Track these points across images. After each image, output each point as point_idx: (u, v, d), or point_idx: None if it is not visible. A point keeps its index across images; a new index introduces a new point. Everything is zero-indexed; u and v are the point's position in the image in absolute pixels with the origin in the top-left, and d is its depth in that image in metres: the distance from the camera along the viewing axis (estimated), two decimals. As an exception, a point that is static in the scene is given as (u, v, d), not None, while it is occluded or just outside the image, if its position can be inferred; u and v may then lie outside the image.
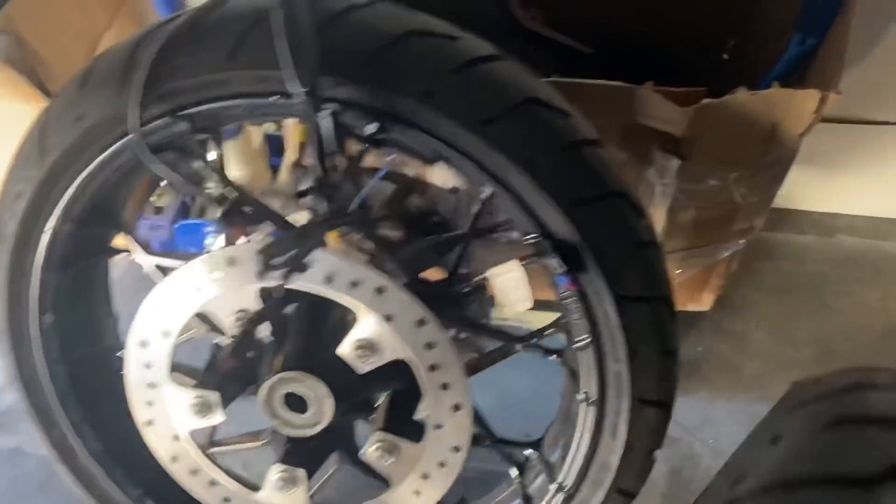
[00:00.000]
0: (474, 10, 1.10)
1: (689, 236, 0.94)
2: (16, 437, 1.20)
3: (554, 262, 0.70)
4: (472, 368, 0.82)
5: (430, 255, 0.75)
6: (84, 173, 0.75)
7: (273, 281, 0.68)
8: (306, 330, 0.77)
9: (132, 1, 1.22)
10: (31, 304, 0.83)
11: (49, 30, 1.07)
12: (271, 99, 0.67)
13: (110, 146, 0.73)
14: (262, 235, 0.70)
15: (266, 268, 0.64)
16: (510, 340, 0.81)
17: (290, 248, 0.63)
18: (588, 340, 0.75)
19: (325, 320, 0.78)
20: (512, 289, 0.72)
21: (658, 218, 0.90)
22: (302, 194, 0.69)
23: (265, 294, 0.74)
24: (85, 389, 0.90)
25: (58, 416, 0.89)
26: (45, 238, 0.80)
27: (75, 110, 0.73)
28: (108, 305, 0.92)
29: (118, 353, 0.85)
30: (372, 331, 0.73)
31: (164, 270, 0.82)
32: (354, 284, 0.72)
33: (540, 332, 0.81)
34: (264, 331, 0.80)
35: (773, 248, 1.41)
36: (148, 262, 0.83)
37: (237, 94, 0.69)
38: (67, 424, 0.89)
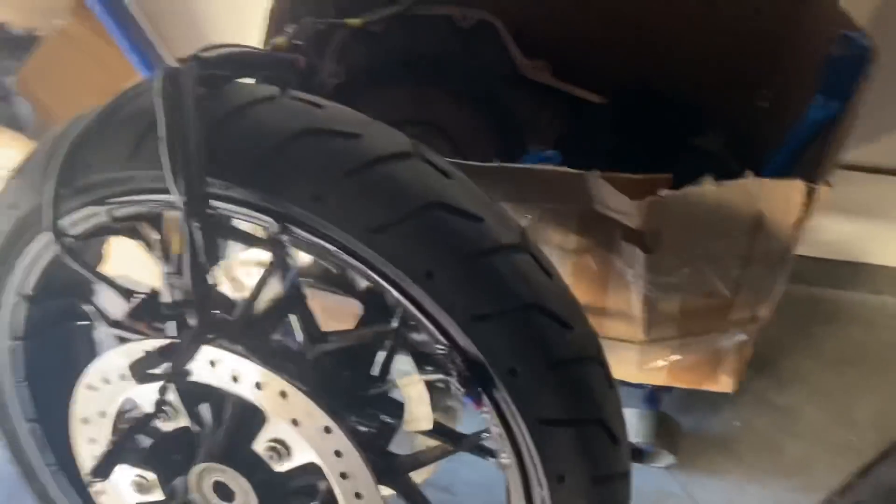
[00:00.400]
0: (478, 63, 1.04)
1: (679, 325, 0.83)
2: None
3: (454, 380, 0.63)
4: (407, 467, 0.77)
5: (339, 359, 0.71)
6: (26, 256, 0.77)
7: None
8: (228, 422, 0.76)
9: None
10: (4, 368, 0.88)
11: (66, 88, 1.12)
12: (167, 198, 0.65)
13: (40, 235, 0.74)
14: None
15: (142, 379, 0.62)
16: (445, 441, 0.75)
17: (161, 362, 0.61)
18: (510, 461, 0.68)
19: (246, 413, 0.75)
20: (416, 402, 0.67)
21: (635, 307, 0.81)
22: (177, 305, 0.67)
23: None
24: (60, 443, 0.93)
25: (38, 469, 0.94)
26: (6, 312, 0.83)
27: (9, 199, 0.75)
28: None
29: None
30: (281, 432, 0.71)
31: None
32: (259, 386, 0.69)
33: (477, 435, 0.75)
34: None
35: (838, 310, 1.24)
36: (105, 332, 0.84)
37: (143, 191, 0.68)
38: (47, 474, 0.94)
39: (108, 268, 0.88)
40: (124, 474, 0.82)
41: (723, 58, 0.97)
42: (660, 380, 0.97)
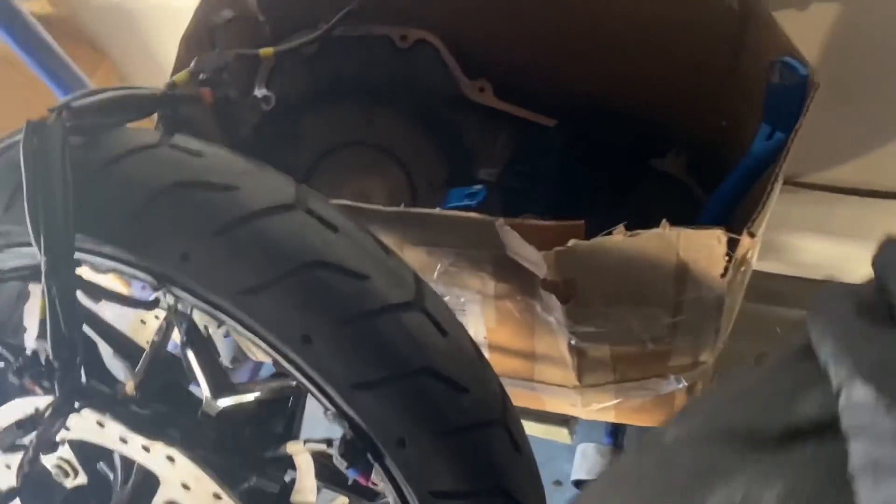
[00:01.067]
0: (421, 84, 0.99)
1: (614, 370, 0.77)
2: None
3: (335, 451, 0.59)
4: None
5: (242, 416, 0.66)
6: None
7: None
8: (131, 482, 0.72)
9: (106, 72, 1.22)
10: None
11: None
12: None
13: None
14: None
15: (9, 450, 0.59)
16: (349, 495, 0.71)
17: (25, 432, 0.58)
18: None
19: (145, 473, 0.72)
20: (303, 472, 0.62)
21: (564, 353, 0.75)
22: (39, 373, 0.63)
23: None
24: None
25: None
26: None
27: None
28: None
29: None
30: (175, 495, 0.67)
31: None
32: (146, 449, 0.65)
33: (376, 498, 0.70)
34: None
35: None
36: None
37: (20, 244, 0.65)
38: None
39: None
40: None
41: (678, 72, 0.91)
42: (609, 418, 0.92)
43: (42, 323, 0.58)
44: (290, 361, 0.59)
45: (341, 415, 0.59)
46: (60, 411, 0.58)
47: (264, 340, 0.59)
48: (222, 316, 0.60)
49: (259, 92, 0.92)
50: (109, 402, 0.62)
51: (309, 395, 0.63)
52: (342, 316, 0.58)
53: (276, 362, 0.60)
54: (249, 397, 0.70)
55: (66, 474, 0.72)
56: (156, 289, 0.62)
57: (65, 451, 0.70)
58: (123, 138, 0.63)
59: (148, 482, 0.72)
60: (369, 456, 0.59)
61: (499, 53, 0.95)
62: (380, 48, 0.97)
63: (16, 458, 0.68)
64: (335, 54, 0.96)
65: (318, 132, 1.04)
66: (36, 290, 0.80)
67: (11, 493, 0.68)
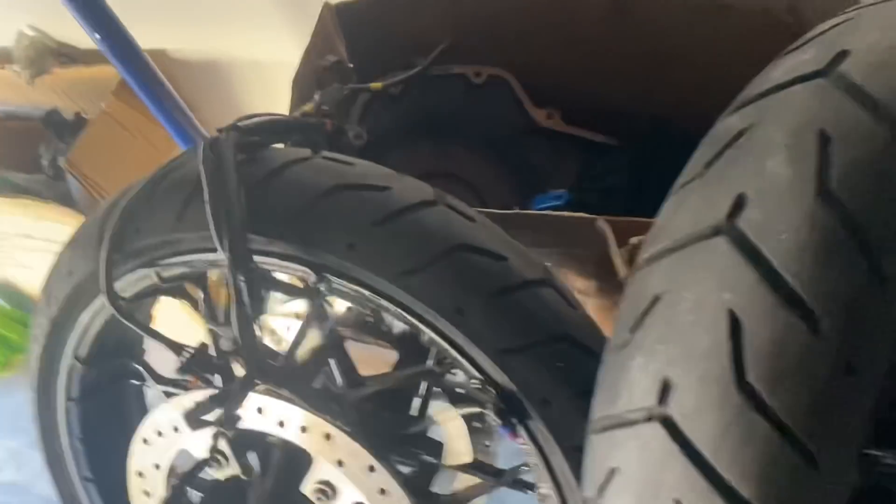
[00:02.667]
0: (492, 115, 1.09)
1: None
2: None
3: (490, 412, 0.67)
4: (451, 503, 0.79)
5: (378, 402, 0.74)
6: (82, 320, 0.83)
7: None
8: (276, 468, 0.79)
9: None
10: (61, 428, 0.92)
11: (112, 164, 1.19)
12: (212, 256, 0.71)
13: (94, 299, 0.80)
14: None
15: (196, 426, 0.66)
16: (483, 476, 0.78)
17: (212, 408, 0.65)
18: (549, 491, 0.70)
19: (292, 458, 0.79)
20: (455, 438, 0.70)
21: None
22: (224, 356, 0.71)
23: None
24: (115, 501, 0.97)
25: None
26: (62, 374, 0.88)
27: (65, 268, 0.81)
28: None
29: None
30: (327, 473, 0.74)
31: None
32: (304, 429, 0.73)
33: (516, 468, 0.77)
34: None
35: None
36: (155, 389, 0.89)
37: (189, 251, 0.73)
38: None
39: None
40: None
41: (736, 89, 1.01)
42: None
43: (225, 312, 0.66)
44: (442, 336, 0.67)
45: (489, 381, 0.67)
46: (246, 387, 0.65)
47: (418, 317, 0.67)
48: (380, 299, 0.68)
49: (352, 128, 1.02)
50: (285, 379, 0.70)
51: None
52: (489, 290, 0.66)
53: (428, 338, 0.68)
54: (379, 387, 0.78)
55: (219, 464, 0.79)
56: (314, 281, 0.70)
57: (221, 442, 0.77)
58: (281, 153, 0.73)
59: (293, 467, 0.79)
60: (515, 417, 0.67)
61: (564, 83, 1.06)
62: (456, 85, 1.08)
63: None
64: (417, 93, 1.07)
65: (398, 165, 1.14)
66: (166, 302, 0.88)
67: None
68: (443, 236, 0.67)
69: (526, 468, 0.76)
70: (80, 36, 1.29)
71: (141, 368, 0.90)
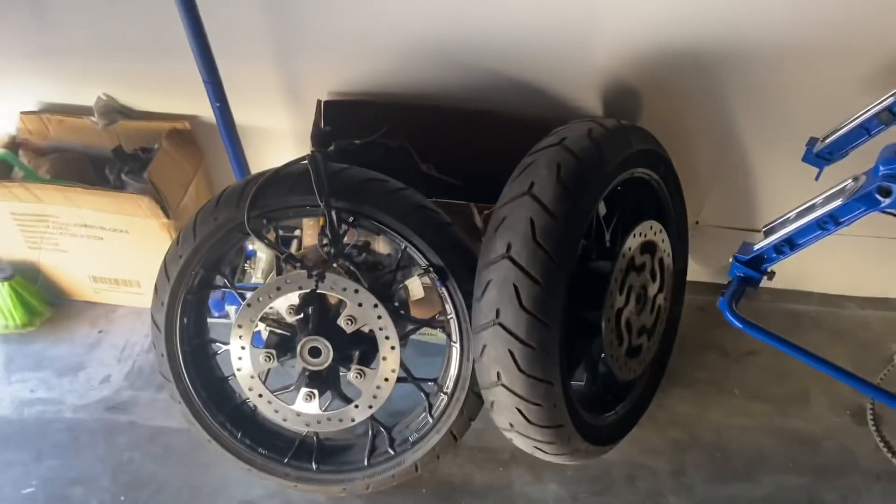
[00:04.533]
0: (396, 166, 2.04)
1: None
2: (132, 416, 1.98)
3: (433, 276, 1.58)
4: (403, 336, 1.67)
5: (382, 276, 1.63)
6: (210, 244, 1.61)
7: (310, 286, 1.54)
8: (319, 313, 1.62)
9: (203, 164, 2.12)
10: (178, 312, 1.67)
11: (166, 178, 1.96)
12: (308, 208, 1.56)
13: (226, 231, 1.60)
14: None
15: (310, 277, 1.50)
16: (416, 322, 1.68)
17: (320, 270, 1.50)
18: (452, 314, 1.62)
19: (330, 308, 1.63)
20: (415, 287, 1.60)
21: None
22: (324, 246, 1.56)
23: (300, 297, 1.59)
24: (196, 361, 1.72)
25: (186, 376, 1.70)
26: (191, 279, 1.64)
27: (214, 214, 1.60)
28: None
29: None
30: (353, 311, 1.59)
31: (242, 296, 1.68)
32: (344, 289, 1.58)
33: (433, 318, 1.68)
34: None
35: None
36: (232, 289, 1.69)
37: (293, 207, 1.58)
38: (188, 380, 1.70)
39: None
40: (256, 355, 1.63)
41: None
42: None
43: (321, 231, 1.52)
44: (413, 245, 1.58)
45: (432, 264, 1.58)
46: (334, 261, 1.50)
47: (403, 236, 1.58)
48: (385, 227, 1.58)
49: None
50: (349, 261, 1.56)
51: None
52: (434, 223, 1.59)
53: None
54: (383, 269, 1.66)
55: (291, 313, 1.60)
56: (353, 221, 1.58)
57: (294, 298, 1.59)
58: (338, 166, 1.61)
59: (330, 312, 1.62)
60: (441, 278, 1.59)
61: (436, 149, 2.03)
62: (381, 148, 2.01)
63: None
64: (367, 148, 1.98)
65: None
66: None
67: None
68: (416, 201, 1.59)
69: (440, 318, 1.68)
70: (136, 101, 2.05)
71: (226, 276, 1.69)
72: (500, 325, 1.43)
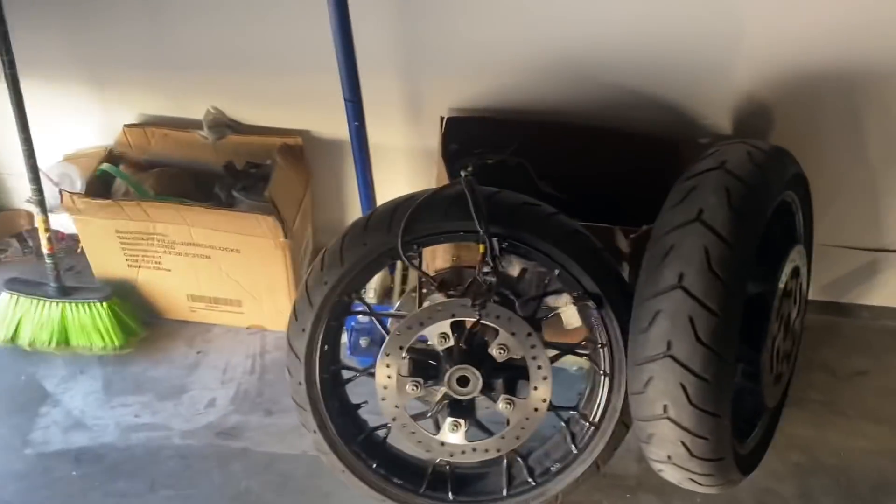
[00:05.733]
0: (515, 182, 1.99)
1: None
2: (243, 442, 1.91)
3: (589, 304, 1.53)
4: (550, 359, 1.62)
5: (531, 303, 1.58)
6: (359, 269, 1.56)
7: (471, 316, 1.49)
8: (471, 341, 1.57)
9: (312, 182, 2.06)
10: (319, 339, 1.60)
11: (282, 196, 1.89)
12: (462, 234, 1.51)
13: (376, 257, 1.54)
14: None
15: (473, 306, 1.45)
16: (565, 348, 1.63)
17: (483, 299, 1.44)
18: (605, 343, 1.57)
19: (483, 336, 1.58)
20: (570, 316, 1.55)
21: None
22: (485, 274, 1.50)
23: (453, 325, 1.54)
24: (332, 389, 1.66)
25: (323, 405, 1.64)
26: (335, 306, 1.58)
27: (362, 239, 1.54)
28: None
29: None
30: (505, 339, 1.54)
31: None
32: (497, 317, 1.53)
33: (579, 344, 1.64)
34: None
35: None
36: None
37: (447, 232, 1.53)
38: (325, 409, 1.64)
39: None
40: (401, 382, 1.57)
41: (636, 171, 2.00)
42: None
43: (482, 262, 1.47)
44: (569, 272, 1.53)
45: (586, 291, 1.54)
46: (492, 291, 1.45)
47: (555, 261, 1.53)
48: (533, 251, 1.53)
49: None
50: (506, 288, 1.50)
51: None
52: (589, 249, 1.54)
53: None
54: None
55: (442, 341, 1.55)
56: (506, 246, 1.52)
57: (446, 327, 1.53)
58: (490, 189, 1.55)
59: (481, 339, 1.57)
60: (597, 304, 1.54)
61: (551, 166, 1.98)
62: (500, 166, 1.95)
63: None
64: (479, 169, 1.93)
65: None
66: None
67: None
68: (569, 226, 1.54)
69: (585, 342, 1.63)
70: (244, 114, 1.98)
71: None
72: (672, 357, 1.39)
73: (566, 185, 2.01)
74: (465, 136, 1.90)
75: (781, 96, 1.78)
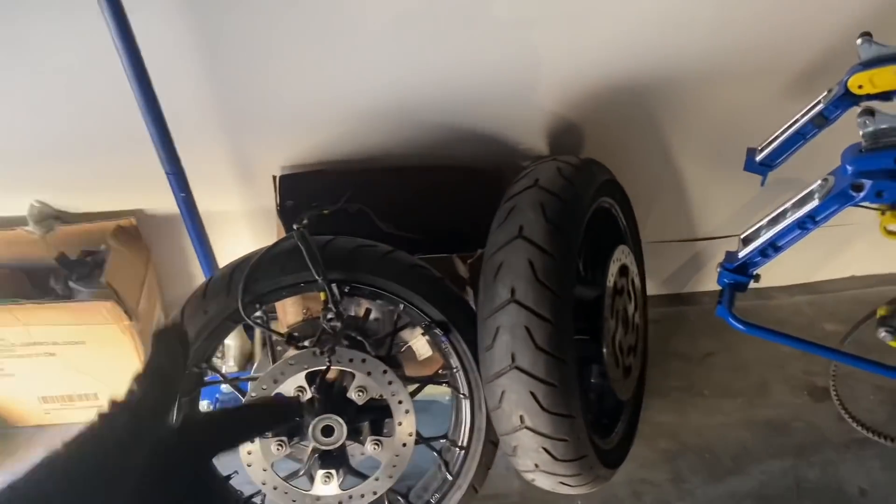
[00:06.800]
0: (357, 230, 2.04)
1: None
2: None
3: (437, 332, 1.59)
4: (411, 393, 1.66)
5: (379, 343, 1.61)
6: (202, 339, 1.54)
7: (322, 364, 1.51)
8: (327, 389, 1.59)
9: (154, 259, 2.02)
10: (173, 416, 1.57)
11: (121, 279, 1.85)
12: (303, 285, 1.53)
13: (219, 323, 1.53)
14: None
15: (321, 354, 1.47)
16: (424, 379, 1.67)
17: (330, 345, 1.47)
18: (458, 367, 1.63)
19: (341, 382, 1.60)
20: (421, 346, 1.60)
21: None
22: (329, 321, 1.52)
23: (309, 377, 1.55)
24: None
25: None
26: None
27: (203, 307, 1.54)
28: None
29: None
30: (362, 381, 1.57)
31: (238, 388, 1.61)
32: (350, 360, 1.56)
33: (437, 373, 1.68)
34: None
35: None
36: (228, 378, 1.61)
37: (287, 287, 1.54)
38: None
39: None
40: (265, 445, 1.56)
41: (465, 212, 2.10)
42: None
43: (325, 309, 1.50)
44: (411, 304, 1.58)
45: (433, 320, 1.59)
46: (339, 337, 1.48)
47: (399, 297, 1.58)
48: (379, 290, 1.57)
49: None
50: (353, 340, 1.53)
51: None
52: (430, 279, 1.60)
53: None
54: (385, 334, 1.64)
55: (301, 393, 1.55)
56: (348, 291, 1.56)
57: (301, 380, 1.54)
58: (325, 237, 1.59)
59: (339, 385, 1.59)
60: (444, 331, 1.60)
61: (391, 208, 2.05)
62: (344, 213, 2.00)
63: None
64: (320, 220, 1.96)
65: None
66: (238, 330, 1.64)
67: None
68: (407, 261, 1.60)
69: (443, 372, 1.68)
70: (70, 203, 1.93)
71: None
72: (518, 368, 1.46)
73: (407, 224, 2.07)
74: (300, 191, 1.93)
75: (585, 113, 1.93)
